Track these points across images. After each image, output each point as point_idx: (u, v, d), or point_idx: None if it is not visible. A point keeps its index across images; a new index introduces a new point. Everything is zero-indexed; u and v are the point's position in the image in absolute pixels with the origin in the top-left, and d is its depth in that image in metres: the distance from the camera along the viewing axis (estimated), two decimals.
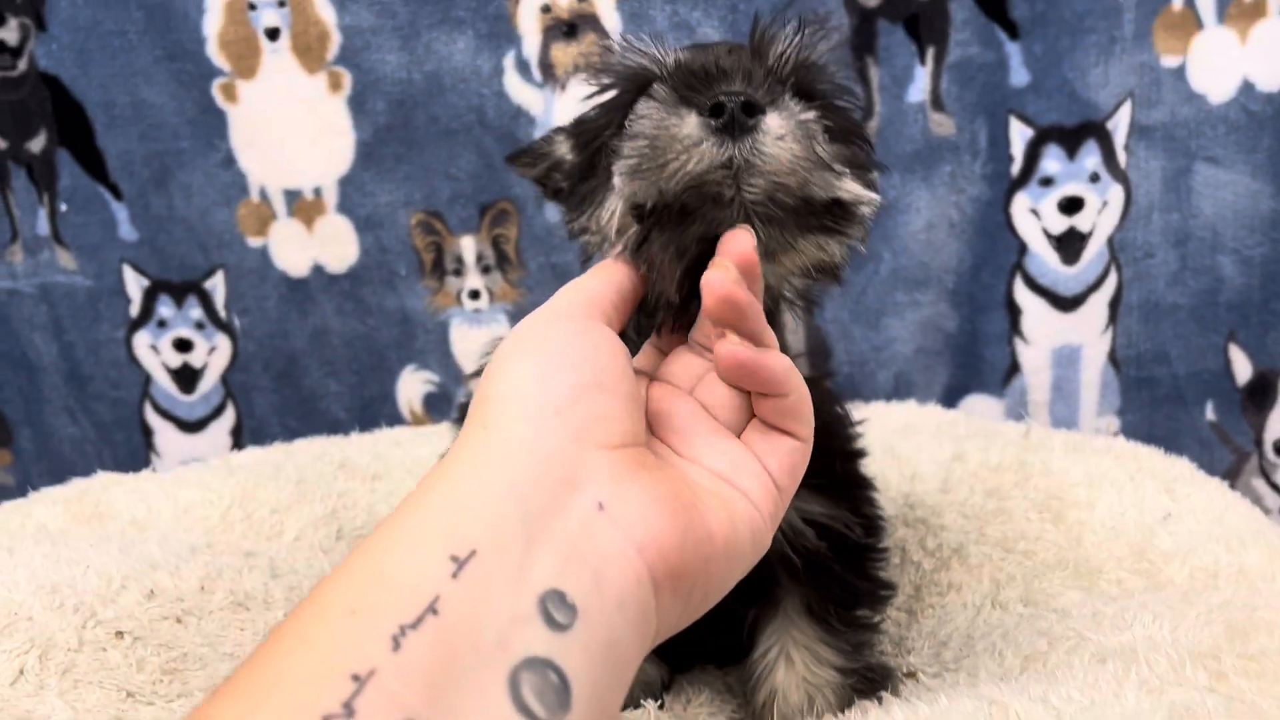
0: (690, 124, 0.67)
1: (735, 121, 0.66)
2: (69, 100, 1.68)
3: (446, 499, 0.52)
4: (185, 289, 1.74)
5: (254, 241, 1.71)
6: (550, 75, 1.58)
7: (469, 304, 1.70)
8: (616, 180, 0.71)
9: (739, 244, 0.65)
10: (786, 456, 0.66)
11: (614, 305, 0.68)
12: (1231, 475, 1.56)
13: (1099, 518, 1.02)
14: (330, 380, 1.76)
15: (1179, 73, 1.46)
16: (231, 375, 1.77)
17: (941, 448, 1.19)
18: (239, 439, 1.79)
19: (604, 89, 0.78)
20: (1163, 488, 1.05)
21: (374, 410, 1.76)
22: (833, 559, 0.87)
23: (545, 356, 0.61)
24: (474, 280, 1.69)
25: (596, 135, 0.78)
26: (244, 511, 1.16)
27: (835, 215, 0.71)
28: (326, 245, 1.70)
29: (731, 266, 0.64)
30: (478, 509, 0.51)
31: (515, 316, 1.68)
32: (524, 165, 0.93)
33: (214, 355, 1.76)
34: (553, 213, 1.62)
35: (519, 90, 1.59)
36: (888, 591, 0.92)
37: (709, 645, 0.97)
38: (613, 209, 0.72)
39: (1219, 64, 1.45)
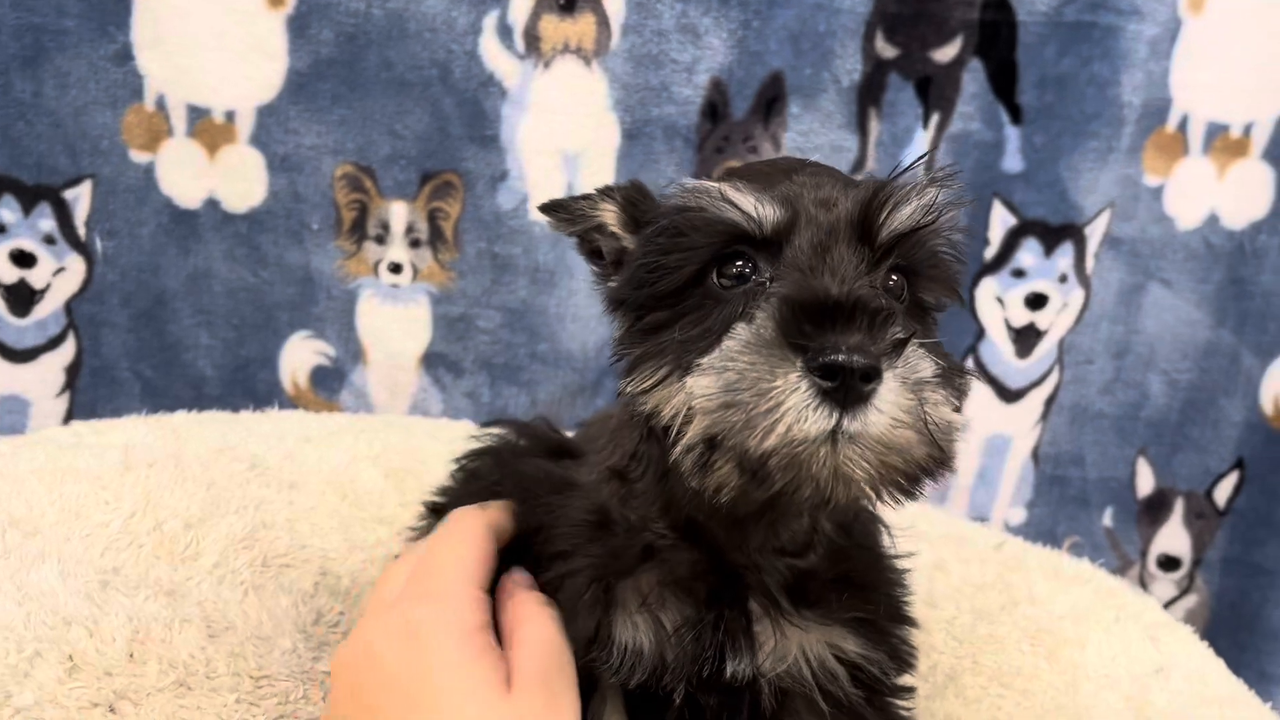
0: (794, 381, 0.61)
1: (849, 391, 0.61)
2: None
3: None
4: (38, 194, 1.45)
5: (138, 156, 1.44)
6: (534, 48, 1.41)
7: (387, 277, 1.51)
8: (692, 385, 0.66)
9: None
10: None
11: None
12: None
13: (1091, 661, 1.02)
14: (202, 331, 1.52)
15: (1157, 193, 1.48)
16: (79, 304, 1.49)
17: (919, 551, 1.15)
18: (75, 378, 1.52)
19: (683, 239, 0.71)
20: (1146, 634, 1.06)
21: (249, 374, 1.54)
22: (864, 704, 0.81)
23: None
24: (398, 252, 1.50)
25: (668, 272, 0.72)
26: (152, 521, 0.96)
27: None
28: (229, 178, 1.46)
29: None
30: None
31: (439, 300, 1.51)
32: (561, 221, 0.84)
33: (61, 277, 1.48)
34: (506, 199, 1.46)
35: (495, 56, 1.41)
36: None
37: None
38: (679, 409, 0.67)
39: (1193, 192, 1.48)
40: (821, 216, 0.69)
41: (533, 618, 0.75)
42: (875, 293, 0.67)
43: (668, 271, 0.71)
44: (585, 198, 0.82)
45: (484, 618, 0.74)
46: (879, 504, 0.68)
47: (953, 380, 0.70)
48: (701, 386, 0.65)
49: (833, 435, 0.61)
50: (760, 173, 0.75)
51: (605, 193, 0.81)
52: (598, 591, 0.77)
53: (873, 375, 0.61)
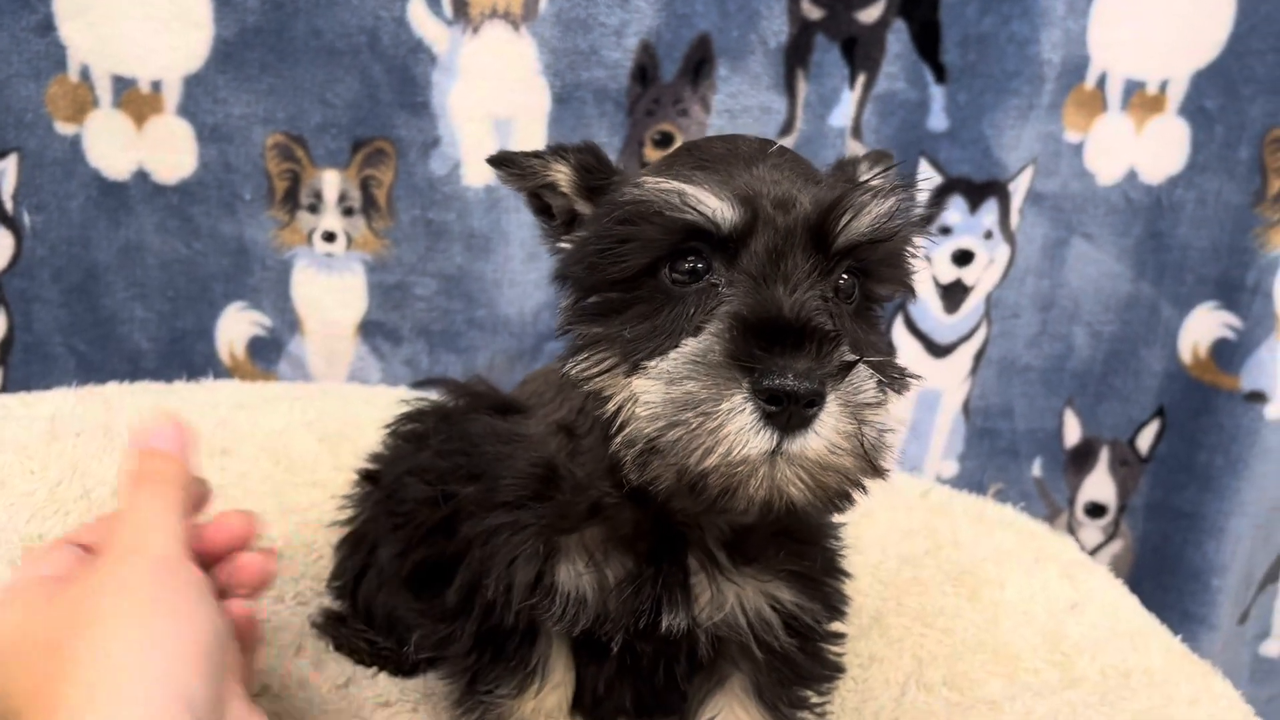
0: (739, 403, 0.63)
1: (792, 415, 0.63)
2: None
3: None
4: None
5: (64, 128, 1.43)
6: (463, 14, 1.41)
7: (321, 246, 1.51)
8: (638, 388, 0.67)
9: None
10: None
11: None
12: None
13: (1010, 599, 1.06)
14: (136, 305, 1.51)
15: (1078, 149, 1.52)
16: (9, 279, 1.48)
17: None
18: (6, 354, 1.51)
19: (638, 229, 0.70)
20: (1063, 573, 1.10)
21: (185, 346, 1.53)
22: (797, 651, 0.84)
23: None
24: (331, 221, 1.50)
25: (619, 260, 0.71)
26: (79, 488, 0.96)
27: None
28: (157, 149, 1.45)
29: None
30: None
31: (374, 269, 1.51)
32: (511, 176, 0.82)
33: None
34: (439, 165, 1.46)
35: (423, 22, 1.41)
36: (838, 674, 0.90)
37: (639, 703, 0.91)
38: (622, 404, 0.69)
39: (1112, 148, 1.52)
40: (779, 220, 0.69)
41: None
42: (825, 307, 0.68)
43: (619, 259, 0.71)
44: (537, 155, 0.80)
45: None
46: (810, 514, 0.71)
47: (894, 383, 0.72)
48: (647, 396, 0.66)
49: (772, 455, 0.63)
50: (720, 158, 0.74)
51: (558, 152, 0.80)
52: (538, 544, 0.79)
53: (816, 401, 0.63)
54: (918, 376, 0.77)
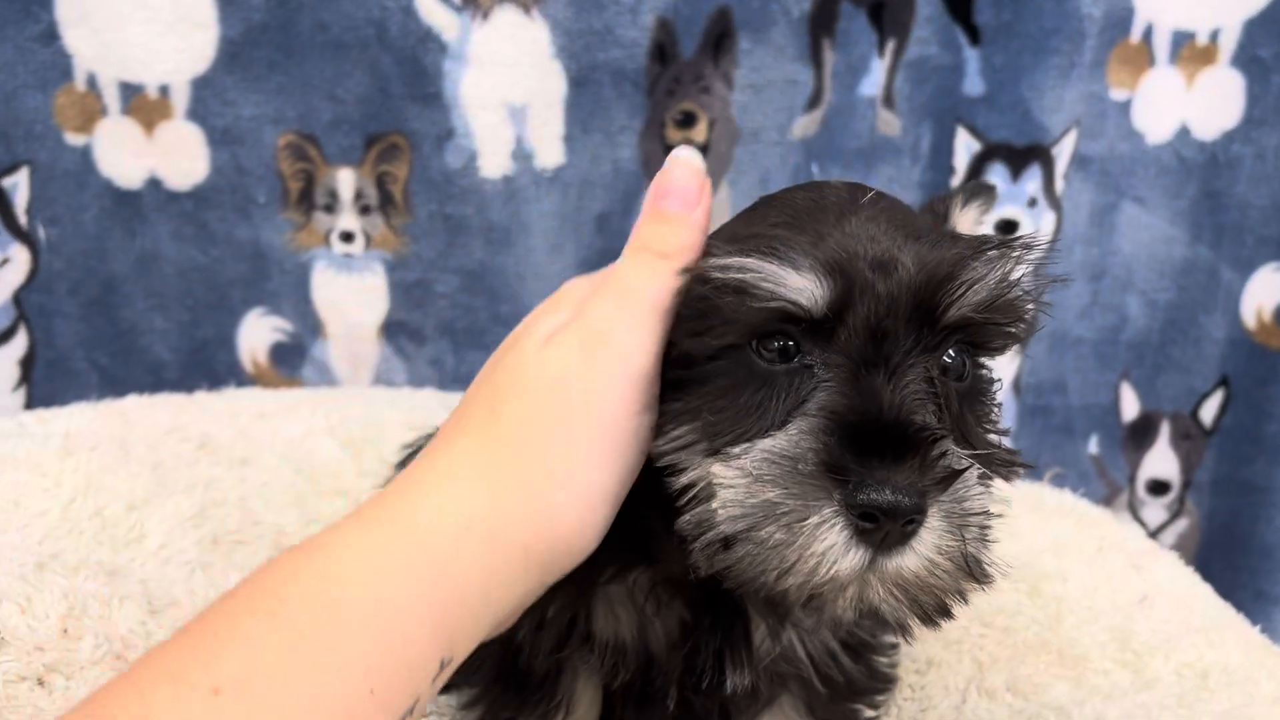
0: (828, 516, 0.55)
1: (888, 535, 0.55)
2: None
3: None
4: None
5: (74, 139, 1.40)
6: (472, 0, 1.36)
7: (339, 246, 1.47)
8: (718, 476, 0.59)
9: None
10: None
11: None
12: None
13: (1074, 594, 0.99)
14: (156, 315, 1.48)
15: (1124, 108, 1.44)
16: (28, 295, 1.46)
17: None
18: (29, 371, 1.49)
19: (720, 307, 0.61)
20: (1130, 563, 1.03)
21: (207, 355, 1.50)
22: (851, 666, 0.78)
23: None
24: (348, 220, 1.46)
25: (700, 338, 0.62)
26: (93, 506, 0.94)
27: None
28: (169, 155, 1.42)
29: None
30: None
31: (394, 267, 1.47)
32: None
33: (6, 269, 1.44)
34: (454, 157, 1.42)
35: (431, 10, 1.36)
36: (889, 686, 0.84)
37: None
38: (696, 482, 0.61)
39: (1162, 105, 1.44)
40: (880, 286, 0.59)
41: None
42: (929, 394, 0.60)
43: (700, 337, 0.62)
44: None
45: None
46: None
47: (1001, 473, 0.64)
48: (725, 493, 0.58)
49: (863, 573, 0.56)
50: (807, 213, 0.64)
51: None
52: (575, 589, 0.70)
53: (917, 518, 0.55)
54: (1029, 465, 0.68)
